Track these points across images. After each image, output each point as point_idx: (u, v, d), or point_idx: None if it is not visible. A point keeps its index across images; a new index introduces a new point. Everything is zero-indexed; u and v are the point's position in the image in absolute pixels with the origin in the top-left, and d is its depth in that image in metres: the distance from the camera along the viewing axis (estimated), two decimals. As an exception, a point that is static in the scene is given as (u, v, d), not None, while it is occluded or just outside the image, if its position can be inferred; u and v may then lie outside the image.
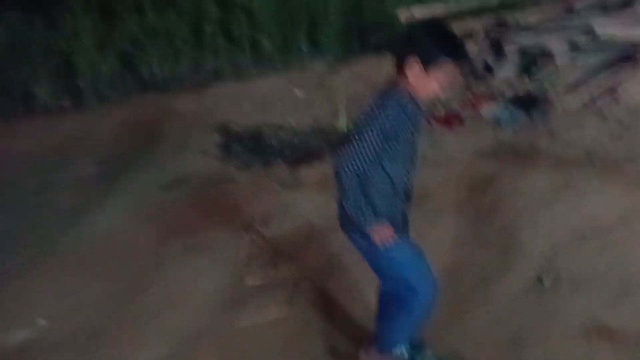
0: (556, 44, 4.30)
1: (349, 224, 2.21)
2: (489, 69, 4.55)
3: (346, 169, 2.06)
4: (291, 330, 2.82)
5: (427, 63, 2.03)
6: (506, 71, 4.43)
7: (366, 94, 4.70)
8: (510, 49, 4.43)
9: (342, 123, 4.65)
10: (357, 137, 2.08)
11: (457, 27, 4.44)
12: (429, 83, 2.06)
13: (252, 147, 4.62)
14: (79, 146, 4.96)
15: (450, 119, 4.28)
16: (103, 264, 3.39)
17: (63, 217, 3.98)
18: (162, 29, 5.87)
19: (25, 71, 5.53)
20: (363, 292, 2.83)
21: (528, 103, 4.19)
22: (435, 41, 2.04)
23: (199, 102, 5.43)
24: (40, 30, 5.60)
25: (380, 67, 4.15)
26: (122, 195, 4.16)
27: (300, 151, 4.48)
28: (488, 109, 4.20)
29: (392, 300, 2.28)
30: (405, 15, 4.99)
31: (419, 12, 4.91)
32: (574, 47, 4.29)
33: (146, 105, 5.44)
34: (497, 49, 4.53)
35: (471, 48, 4.59)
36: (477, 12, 4.92)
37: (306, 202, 3.80)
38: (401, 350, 2.37)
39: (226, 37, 5.94)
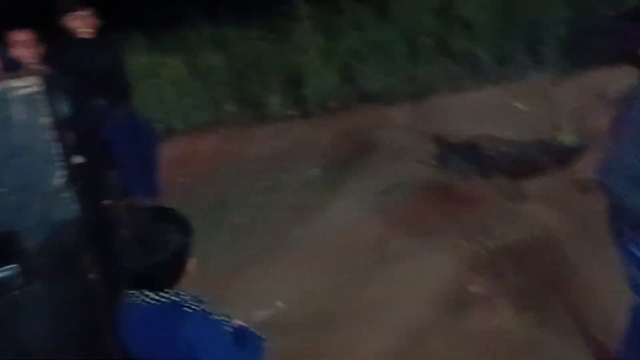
0: None
1: (624, 227, 2.12)
2: None
3: (614, 175, 2.00)
4: (518, 342, 2.77)
5: None
6: None
7: (594, 107, 4.46)
8: None
9: (568, 136, 4.45)
10: (614, 141, 2.03)
11: None
12: None
13: (469, 157, 4.62)
14: (305, 151, 5.38)
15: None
16: (331, 257, 3.65)
17: (293, 214, 4.35)
18: (380, 42, 6.14)
19: (260, 82, 6.16)
20: (600, 306, 2.69)
21: None
22: None
23: (414, 113, 5.57)
24: (274, 45, 6.21)
25: (611, 78, 3.93)
26: (344, 197, 4.43)
27: (520, 163, 4.37)
28: None
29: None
30: None
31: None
32: None
33: (364, 115, 5.72)
34: None
35: None
36: None
37: (530, 214, 3.71)
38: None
39: (442, 49, 6.01)
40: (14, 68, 3.28)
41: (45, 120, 2.32)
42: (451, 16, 6.09)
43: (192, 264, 1.59)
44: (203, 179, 5.28)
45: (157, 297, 1.52)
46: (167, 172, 5.41)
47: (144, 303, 1.52)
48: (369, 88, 5.97)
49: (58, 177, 2.36)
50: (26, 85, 2.27)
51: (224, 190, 5.00)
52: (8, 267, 2.31)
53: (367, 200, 4.31)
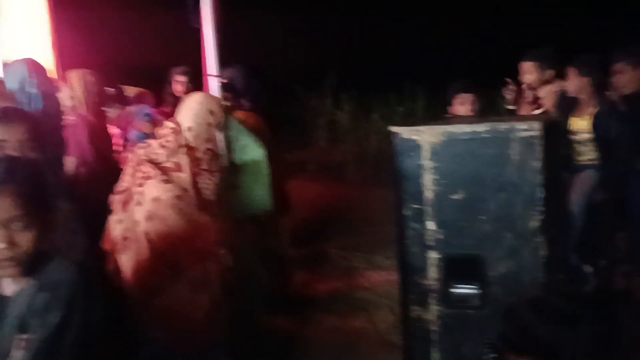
0: None
1: None
2: None
3: None
4: None
5: None
6: None
7: None
8: None
9: None
10: None
11: None
12: None
13: None
14: None
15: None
16: None
17: None
18: None
19: None
20: None
21: None
22: None
23: None
24: None
25: None
26: None
27: None
28: None
29: None
30: None
31: None
32: None
33: None
34: None
35: None
36: None
37: None
38: None
39: None
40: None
41: (537, 163, 2.40)
42: None
43: None
44: None
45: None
46: None
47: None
48: None
49: (535, 221, 2.42)
50: (527, 129, 2.40)
51: None
52: (471, 286, 2.53)
53: None
